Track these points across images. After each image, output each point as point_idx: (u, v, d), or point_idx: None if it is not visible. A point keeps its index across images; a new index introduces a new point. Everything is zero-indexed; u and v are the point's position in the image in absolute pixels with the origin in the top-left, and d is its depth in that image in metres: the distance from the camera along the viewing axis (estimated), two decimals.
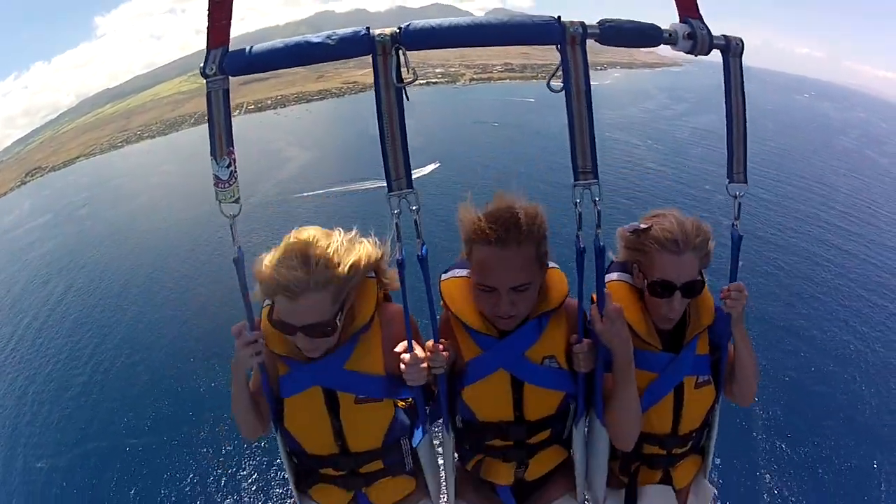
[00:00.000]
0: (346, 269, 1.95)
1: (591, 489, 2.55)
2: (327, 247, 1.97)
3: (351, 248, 2.03)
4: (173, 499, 18.12)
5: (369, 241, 2.15)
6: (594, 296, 2.10)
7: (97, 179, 75.72)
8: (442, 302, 2.25)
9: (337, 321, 1.99)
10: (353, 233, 2.13)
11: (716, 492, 2.73)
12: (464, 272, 2.25)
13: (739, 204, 2.10)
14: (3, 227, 58.82)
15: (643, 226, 2.22)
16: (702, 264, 2.24)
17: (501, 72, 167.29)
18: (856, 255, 35.09)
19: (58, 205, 62.38)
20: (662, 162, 52.63)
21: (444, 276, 2.32)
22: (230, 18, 1.77)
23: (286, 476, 2.42)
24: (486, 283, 2.05)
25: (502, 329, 2.18)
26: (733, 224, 2.13)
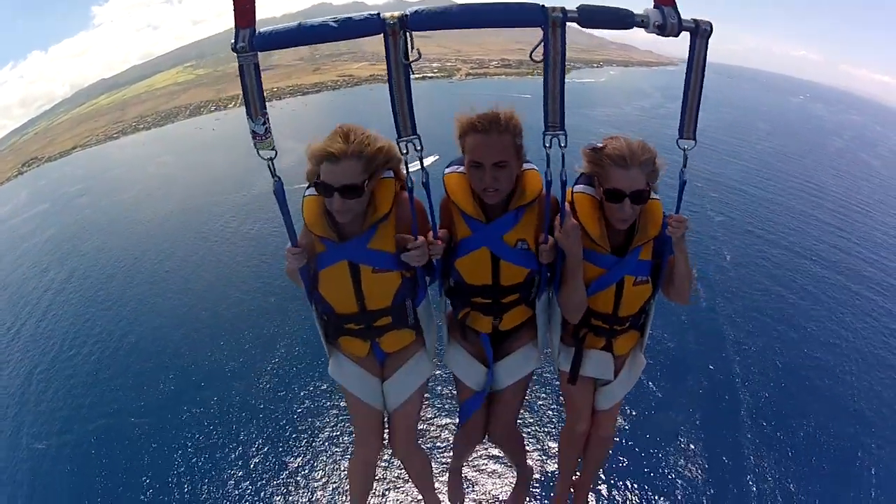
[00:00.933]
0: (375, 148, 2.56)
1: (550, 344, 3.21)
2: (363, 131, 2.57)
3: (380, 137, 2.61)
4: (182, 470, 18.74)
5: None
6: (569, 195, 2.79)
7: (93, 170, 75.61)
8: (444, 189, 2.82)
9: (365, 186, 2.57)
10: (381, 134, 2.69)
11: (648, 363, 3.35)
12: (461, 168, 2.82)
13: (686, 156, 2.54)
14: (1, 216, 58.90)
15: (599, 145, 2.70)
16: (649, 178, 2.71)
17: (498, 67, 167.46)
18: (844, 251, 36.01)
19: (55, 194, 62.58)
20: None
21: (446, 171, 2.90)
22: (253, 2, 2.07)
23: (318, 332, 3.07)
24: (475, 160, 2.63)
25: (490, 203, 2.76)
26: (681, 171, 2.58)
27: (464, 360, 3.19)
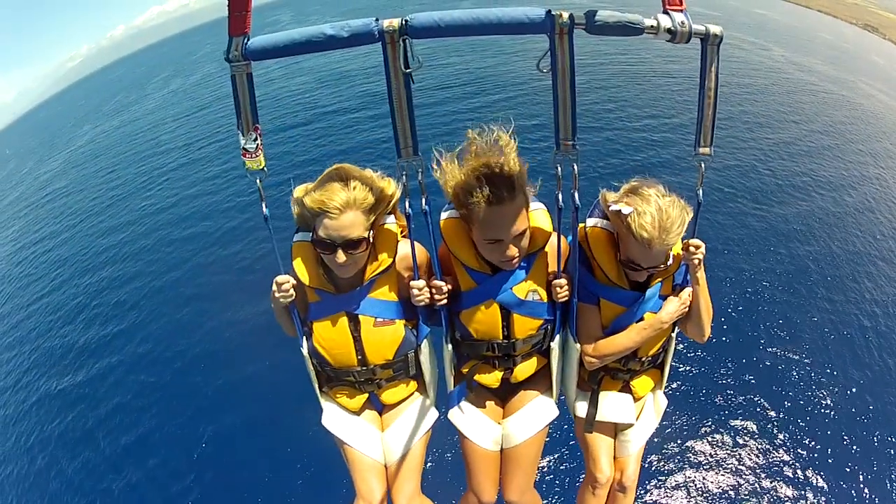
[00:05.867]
0: (378, 193, 2.31)
1: (564, 389, 3.02)
2: (361, 175, 2.32)
3: (379, 179, 2.37)
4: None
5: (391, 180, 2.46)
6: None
7: None
8: (441, 237, 2.51)
9: (369, 238, 2.34)
10: (379, 172, 2.45)
11: (668, 403, 3.15)
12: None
13: (703, 173, 2.26)
14: None
15: (624, 211, 2.34)
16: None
17: None
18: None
19: None
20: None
21: (443, 216, 2.54)
22: (248, 10, 1.96)
23: (310, 380, 2.83)
24: (495, 238, 2.30)
25: (504, 269, 2.48)
26: (697, 189, 2.30)
27: (471, 414, 2.93)
